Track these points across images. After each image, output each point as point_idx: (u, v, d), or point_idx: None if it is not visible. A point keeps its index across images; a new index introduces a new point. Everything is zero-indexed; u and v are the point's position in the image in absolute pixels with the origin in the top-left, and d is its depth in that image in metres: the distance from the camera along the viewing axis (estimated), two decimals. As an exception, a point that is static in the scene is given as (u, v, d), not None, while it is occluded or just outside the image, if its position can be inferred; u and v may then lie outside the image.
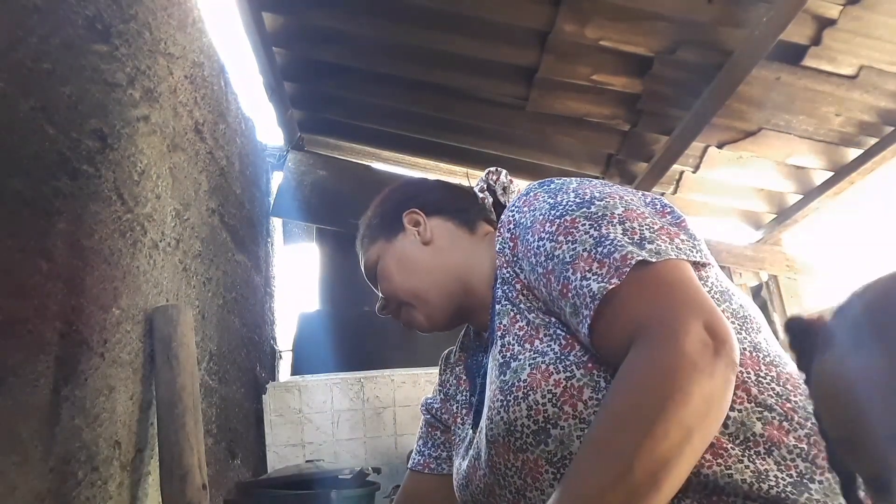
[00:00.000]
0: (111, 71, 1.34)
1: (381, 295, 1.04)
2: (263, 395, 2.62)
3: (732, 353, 0.63)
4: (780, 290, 3.48)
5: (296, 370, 3.00)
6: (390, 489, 2.37)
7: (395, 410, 2.71)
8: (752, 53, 2.12)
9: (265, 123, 3.06)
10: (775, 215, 3.31)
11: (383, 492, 2.32)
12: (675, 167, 2.90)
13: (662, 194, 3.24)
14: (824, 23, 2.11)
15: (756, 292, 3.60)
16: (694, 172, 2.98)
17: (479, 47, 2.40)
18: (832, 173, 2.88)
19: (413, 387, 2.73)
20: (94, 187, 1.23)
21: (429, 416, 1.13)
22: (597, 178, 3.17)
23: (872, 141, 2.64)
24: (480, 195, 1.06)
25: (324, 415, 2.66)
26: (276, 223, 3.33)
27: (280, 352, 3.10)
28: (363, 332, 3.18)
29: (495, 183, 1.07)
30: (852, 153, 2.74)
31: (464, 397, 1.02)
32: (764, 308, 3.54)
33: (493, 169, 1.08)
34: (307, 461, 2.40)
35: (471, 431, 0.94)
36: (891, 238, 3.19)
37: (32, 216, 1.03)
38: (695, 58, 2.27)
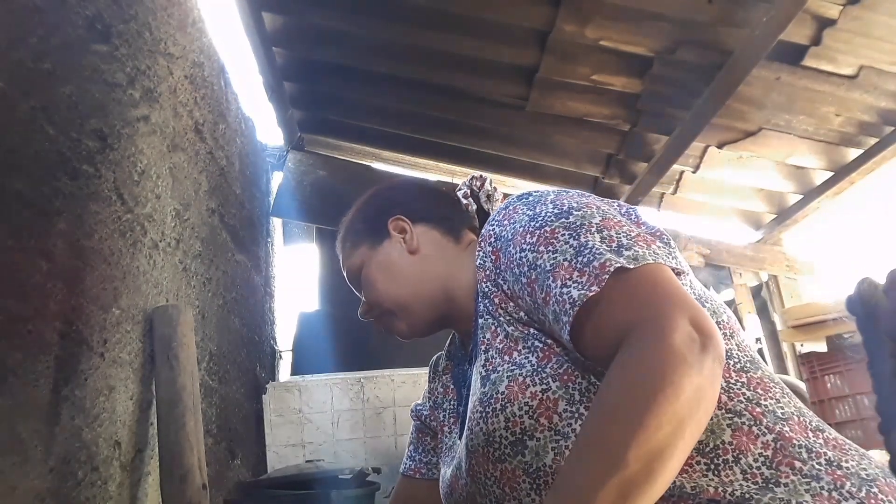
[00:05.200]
0: (111, 71, 1.34)
1: (363, 300, 1.04)
2: (263, 395, 2.62)
3: (719, 348, 0.64)
4: (780, 290, 3.49)
5: (296, 370, 3.00)
6: (390, 489, 2.37)
7: (395, 410, 2.71)
8: (752, 53, 2.12)
9: (265, 123, 3.07)
10: (775, 215, 3.31)
11: (383, 492, 2.32)
12: (675, 167, 2.90)
13: (662, 195, 3.24)
14: (824, 23, 2.11)
15: (756, 292, 3.60)
16: (694, 172, 2.98)
17: (479, 47, 2.40)
18: (832, 173, 2.88)
19: (413, 387, 2.73)
20: (94, 187, 1.23)
21: (418, 423, 1.13)
22: (597, 178, 3.18)
23: (872, 141, 2.64)
24: (464, 201, 1.06)
25: (324, 415, 2.66)
26: (276, 223, 3.33)
27: (280, 352, 3.10)
28: (363, 332, 3.16)
29: (479, 190, 1.07)
30: (852, 153, 2.75)
31: (451, 406, 1.02)
32: (764, 308, 3.54)
33: (476, 175, 1.08)
34: (307, 461, 2.40)
35: (458, 440, 0.95)
36: (891, 238, 3.19)
37: (32, 216, 1.03)
38: (695, 58, 2.27)
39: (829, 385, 2.85)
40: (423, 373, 2.74)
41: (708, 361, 0.62)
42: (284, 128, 3.09)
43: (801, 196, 3.10)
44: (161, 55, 1.64)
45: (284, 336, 3.18)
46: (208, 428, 1.86)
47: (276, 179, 3.25)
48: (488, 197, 1.08)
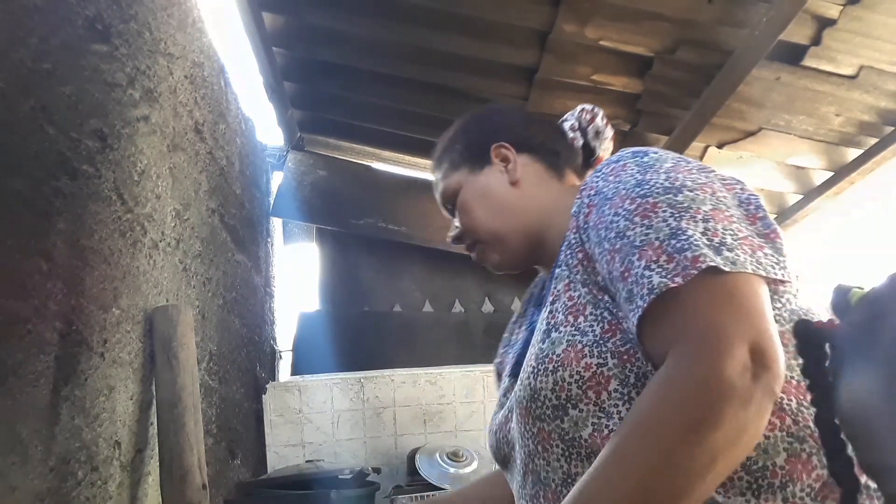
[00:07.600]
0: (111, 71, 1.34)
1: (456, 225, 0.99)
2: (263, 395, 2.62)
3: (773, 382, 0.60)
4: (780, 290, 3.48)
5: (296, 370, 3.00)
6: (390, 489, 2.37)
7: (395, 410, 2.71)
8: (752, 53, 2.11)
9: (265, 123, 3.06)
10: (775, 215, 3.31)
11: (383, 492, 2.32)
12: (675, 167, 2.89)
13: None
14: (824, 23, 2.11)
15: (756, 292, 3.59)
16: (694, 172, 2.97)
17: (479, 47, 2.40)
18: (832, 173, 2.87)
19: (413, 387, 2.73)
20: (94, 187, 1.23)
21: (497, 379, 1.07)
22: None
23: (872, 141, 2.63)
24: (570, 134, 1.01)
25: (324, 415, 2.66)
26: (276, 223, 3.33)
27: (280, 352, 3.10)
28: (363, 332, 3.18)
29: (588, 124, 1.02)
30: (852, 153, 2.74)
31: (516, 348, 0.99)
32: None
33: (587, 107, 1.02)
34: (307, 461, 2.40)
35: (507, 379, 0.92)
36: (891, 238, 3.19)
37: (32, 216, 1.03)
38: (695, 58, 2.27)
39: (829, 385, 2.85)
40: (423, 373, 2.75)
41: (757, 395, 0.58)
42: (284, 128, 3.08)
43: (801, 196, 3.10)
44: (161, 55, 1.64)
45: (284, 336, 3.18)
46: (208, 428, 1.86)
47: (276, 179, 3.25)
48: (597, 133, 1.02)
